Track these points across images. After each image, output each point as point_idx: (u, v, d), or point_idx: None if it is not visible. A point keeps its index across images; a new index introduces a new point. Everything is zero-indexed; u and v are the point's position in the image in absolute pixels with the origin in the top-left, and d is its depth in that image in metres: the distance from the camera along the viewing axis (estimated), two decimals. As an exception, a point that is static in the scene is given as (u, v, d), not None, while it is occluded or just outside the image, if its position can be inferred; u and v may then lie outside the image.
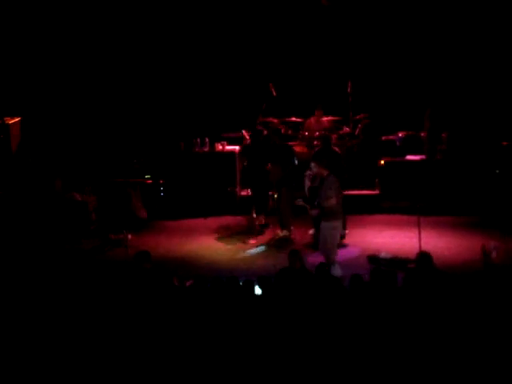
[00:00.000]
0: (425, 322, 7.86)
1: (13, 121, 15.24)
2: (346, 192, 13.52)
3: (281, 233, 13.40)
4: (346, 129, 15.56)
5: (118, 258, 12.42)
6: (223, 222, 14.44)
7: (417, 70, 16.19)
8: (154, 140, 16.19)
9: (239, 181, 15.18)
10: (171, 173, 15.32)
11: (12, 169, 14.92)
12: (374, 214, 14.53)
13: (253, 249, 13.04)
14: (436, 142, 14.80)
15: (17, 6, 16.18)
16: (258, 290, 8.70)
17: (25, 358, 7.99)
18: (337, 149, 13.56)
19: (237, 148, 15.33)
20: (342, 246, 12.52)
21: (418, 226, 11.70)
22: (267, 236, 13.61)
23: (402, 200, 14.43)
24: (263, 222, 14.01)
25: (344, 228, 12.71)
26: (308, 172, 12.61)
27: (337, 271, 10.90)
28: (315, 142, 14.86)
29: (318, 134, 14.97)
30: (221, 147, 15.39)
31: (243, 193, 15.22)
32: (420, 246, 11.20)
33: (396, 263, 11.48)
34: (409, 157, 14.98)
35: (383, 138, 15.41)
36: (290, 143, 14.62)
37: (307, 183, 12.76)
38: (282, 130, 14.71)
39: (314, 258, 11.39)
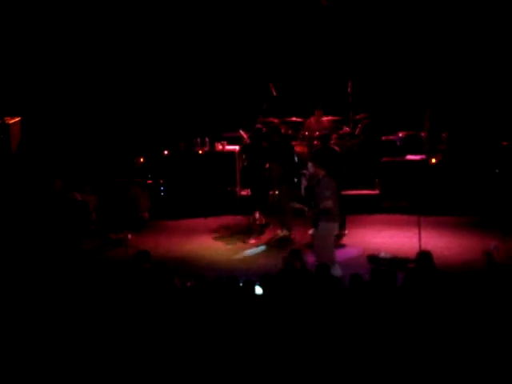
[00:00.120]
0: (425, 322, 7.86)
1: (13, 121, 15.26)
2: (346, 192, 13.55)
3: (281, 232, 13.39)
4: (346, 129, 15.58)
5: (118, 257, 12.41)
6: (223, 222, 14.45)
7: (417, 71, 16.20)
8: (153, 140, 16.19)
9: (239, 180, 15.19)
10: (171, 173, 15.33)
11: (12, 169, 14.92)
12: (374, 213, 14.54)
13: (253, 249, 13.05)
14: (436, 142, 14.81)
15: (17, 6, 16.18)
16: (258, 290, 8.70)
17: (25, 358, 7.98)
18: (337, 148, 13.56)
19: (237, 148, 15.35)
20: (340, 246, 12.52)
21: (418, 225, 11.70)
22: (267, 236, 13.61)
23: (401, 200, 14.44)
24: (263, 221, 14.02)
25: (343, 228, 12.71)
26: (305, 171, 12.61)
27: (337, 271, 10.87)
28: (315, 142, 14.87)
29: (318, 133, 14.98)
30: (221, 147, 15.41)
31: (243, 192, 15.22)
32: (420, 246, 11.20)
33: (396, 263, 11.47)
34: (409, 157, 14.99)
35: (383, 137, 15.43)
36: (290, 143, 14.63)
37: (304, 183, 12.74)
38: (282, 130, 14.71)
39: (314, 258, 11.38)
